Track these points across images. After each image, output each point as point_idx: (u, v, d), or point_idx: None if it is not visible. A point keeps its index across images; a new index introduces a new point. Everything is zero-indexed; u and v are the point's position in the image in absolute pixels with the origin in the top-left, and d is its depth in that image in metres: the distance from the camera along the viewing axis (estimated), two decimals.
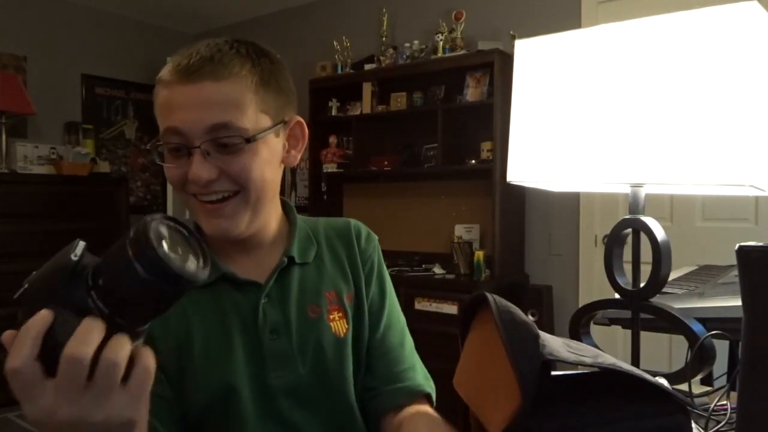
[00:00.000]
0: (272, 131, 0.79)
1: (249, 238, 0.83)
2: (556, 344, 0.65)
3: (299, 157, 0.86)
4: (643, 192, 1.01)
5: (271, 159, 0.79)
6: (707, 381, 1.14)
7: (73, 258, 0.46)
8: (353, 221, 0.97)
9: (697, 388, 0.99)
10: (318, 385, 0.83)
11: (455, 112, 3.41)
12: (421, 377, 0.92)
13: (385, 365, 0.90)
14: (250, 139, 0.75)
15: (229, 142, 0.74)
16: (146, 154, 4.94)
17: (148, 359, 0.48)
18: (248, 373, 0.80)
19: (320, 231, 0.93)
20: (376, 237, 0.98)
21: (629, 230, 1.02)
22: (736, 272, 0.72)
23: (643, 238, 0.99)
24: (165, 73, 0.76)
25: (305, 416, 0.83)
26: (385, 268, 0.97)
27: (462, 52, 3.36)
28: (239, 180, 0.76)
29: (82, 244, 0.48)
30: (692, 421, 0.64)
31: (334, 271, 0.91)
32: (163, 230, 0.46)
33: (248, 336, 0.81)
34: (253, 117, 0.75)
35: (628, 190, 1.03)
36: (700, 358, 0.92)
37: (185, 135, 0.73)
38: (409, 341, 0.95)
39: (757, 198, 2.68)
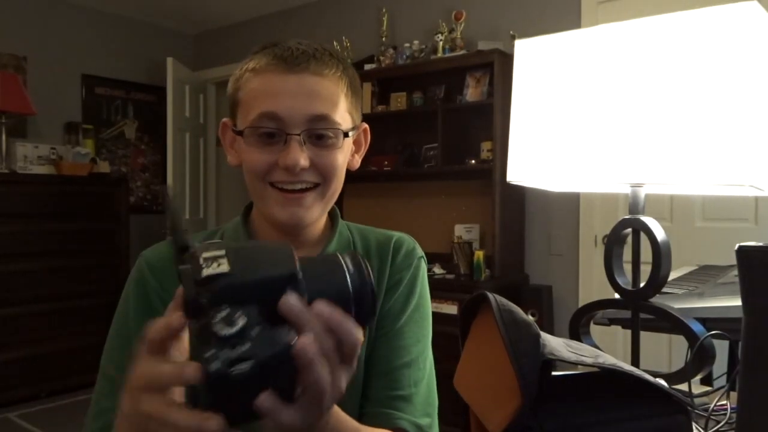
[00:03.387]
0: (357, 131, 0.84)
1: (300, 234, 0.83)
2: (556, 344, 0.65)
3: (360, 162, 0.89)
4: (643, 192, 1.01)
5: (347, 158, 0.83)
6: (707, 381, 1.14)
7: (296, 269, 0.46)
8: (399, 235, 0.91)
9: (697, 388, 0.99)
10: None
11: (455, 112, 3.41)
12: (418, 413, 0.80)
13: (378, 385, 0.81)
14: (346, 134, 0.79)
15: (326, 134, 0.77)
16: (146, 154, 4.94)
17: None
18: None
19: (365, 240, 0.90)
20: (421, 256, 0.90)
21: (629, 230, 1.02)
22: (736, 272, 0.72)
23: (643, 238, 0.99)
24: (260, 62, 0.77)
25: None
26: (421, 287, 0.88)
27: (462, 52, 3.36)
28: (325, 173, 0.78)
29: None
30: (692, 421, 0.64)
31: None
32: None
33: None
34: (343, 115, 0.79)
35: (628, 190, 1.03)
36: (700, 358, 0.92)
37: (284, 121, 0.74)
38: (420, 371, 0.83)
39: (757, 198, 2.68)
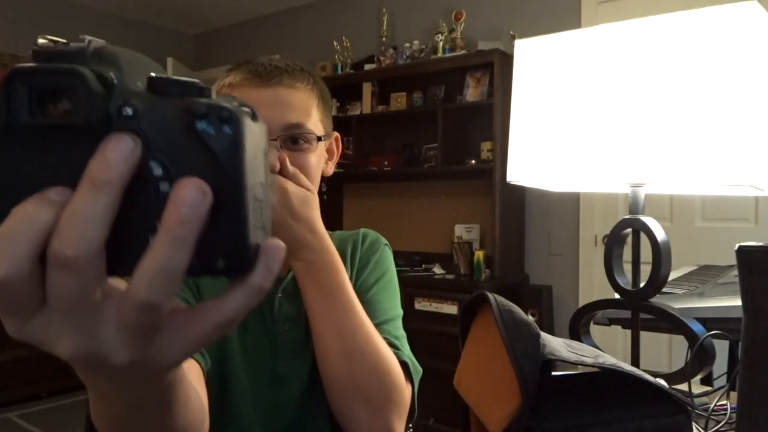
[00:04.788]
0: (328, 139, 0.90)
1: None
2: (556, 344, 0.65)
3: (333, 169, 0.95)
4: (643, 192, 1.01)
5: (320, 162, 0.88)
6: (707, 381, 1.14)
7: None
8: (364, 230, 1.01)
9: (697, 388, 0.99)
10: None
11: (455, 112, 3.41)
12: (405, 351, 0.87)
13: None
14: (321, 138, 0.85)
15: (301, 138, 0.82)
16: None
17: None
18: (255, 360, 0.86)
19: (338, 239, 0.97)
20: (385, 244, 1.00)
21: (629, 230, 1.02)
22: (736, 272, 0.72)
23: (643, 238, 0.99)
24: (236, 78, 0.83)
25: (308, 406, 0.86)
26: (388, 268, 0.97)
27: (462, 52, 3.36)
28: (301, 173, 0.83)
29: None
30: (692, 421, 0.64)
31: None
32: None
33: (264, 324, 0.88)
34: (316, 124, 0.85)
35: (628, 190, 1.03)
36: (700, 358, 0.93)
37: None
38: (399, 331, 0.90)
39: (757, 198, 2.68)
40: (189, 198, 0.25)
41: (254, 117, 0.27)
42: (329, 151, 0.93)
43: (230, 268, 0.27)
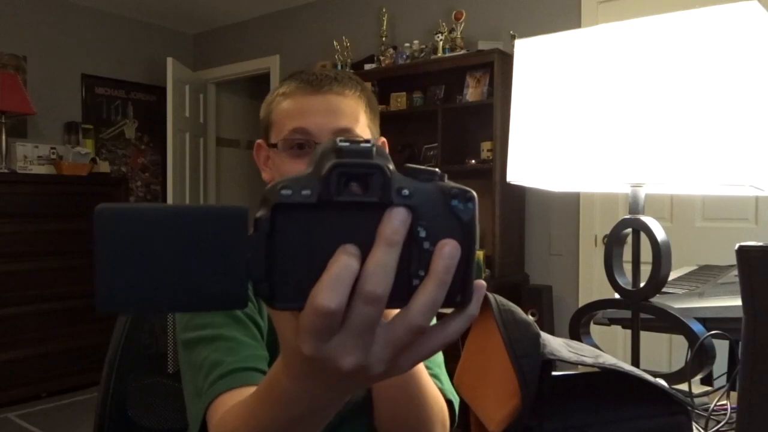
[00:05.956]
0: (378, 142, 0.88)
1: None
2: (556, 344, 0.65)
3: None
4: (643, 192, 1.01)
5: None
6: (707, 381, 1.14)
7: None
8: None
9: (697, 388, 0.99)
10: None
11: (455, 112, 3.41)
12: (448, 390, 0.88)
13: None
14: (369, 141, 0.82)
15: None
16: (146, 154, 4.94)
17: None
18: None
19: None
20: None
21: (629, 230, 1.02)
22: (736, 272, 0.72)
23: (643, 238, 0.99)
24: (289, 87, 0.88)
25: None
26: None
27: (462, 52, 3.36)
28: None
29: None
30: (692, 421, 0.64)
31: None
32: None
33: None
34: (364, 129, 0.88)
35: (628, 190, 1.03)
36: (700, 358, 0.92)
37: (312, 134, 0.84)
38: (438, 355, 0.91)
39: (757, 198, 2.68)
40: (450, 253, 0.35)
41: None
42: None
43: (462, 302, 0.37)
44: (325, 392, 0.42)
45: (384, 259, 0.34)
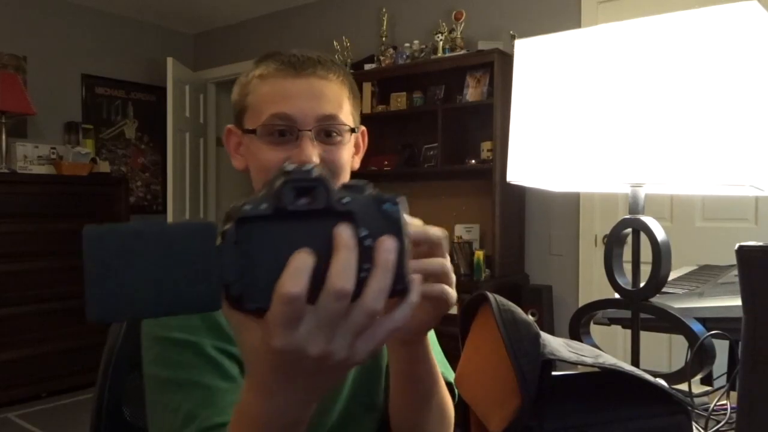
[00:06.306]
0: (358, 132, 0.88)
1: None
2: (556, 344, 0.65)
3: (359, 163, 0.93)
4: (643, 192, 1.01)
5: (351, 156, 0.86)
6: (707, 381, 1.14)
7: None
8: None
9: (697, 388, 0.99)
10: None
11: (455, 112, 3.41)
12: (444, 368, 0.88)
13: None
14: (354, 129, 0.83)
15: (335, 131, 0.80)
16: (146, 154, 4.94)
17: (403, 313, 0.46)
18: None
19: None
20: None
21: (629, 230, 1.02)
22: (736, 272, 0.72)
23: (643, 238, 0.99)
24: (268, 69, 0.81)
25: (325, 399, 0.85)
26: None
27: (462, 52, 3.36)
28: (334, 168, 0.80)
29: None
30: (692, 421, 0.64)
31: None
32: None
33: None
34: (347, 116, 0.83)
35: (628, 190, 1.03)
36: (700, 358, 0.92)
37: (296, 121, 0.78)
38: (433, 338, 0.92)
39: (757, 198, 2.68)
40: (390, 246, 0.41)
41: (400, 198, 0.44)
42: (356, 145, 0.91)
43: (403, 290, 0.43)
44: (293, 395, 0.45)
45: (347, 257, 0.40)
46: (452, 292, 0.57)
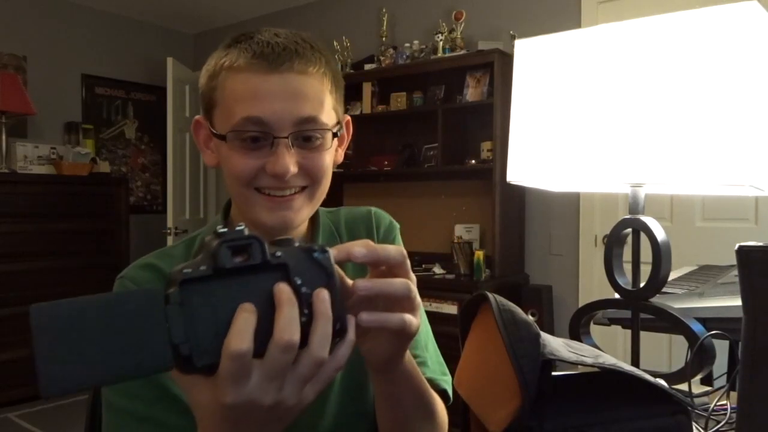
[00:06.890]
0: (341, 128, 0.79)
1: (285, 234, 0.82)
2: (556, 344, 0.65)
3: (343, 155, 0.85)
4: (643, 192, 1.01)
5: (333, 157, 0.79)
6: (707, 381, 1.14)
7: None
8: (374, 210, 0.93)
9: (697, 388, 0.99)
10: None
11: (455, 112, 3.41)
12: (437, 372, 0.86)
13: None
14: (335, 134, 0.75)
15: (314, 135, 0.72)
16: (146, 154, 4.94)
17: (341, 357, 0.49)
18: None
19: (342, 223, 0.90)
20: (398, 226, 0.95)
21: (629, 230, 1.02)
22: (736, 272, 0.72)
23: (643, 238, 0.99)
24: (239, 60, 0.71)
25: (320, 401, 0.82)
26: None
27: (462, 52, 3.36)
28: (314, 175, 0.75)
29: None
30: (692, 421, 0.64)
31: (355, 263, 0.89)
32: None
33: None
34: (329, 114, 0.74)
35: (628, 190, 1.03)
36: (700, 358, 0.92)
37: (270, 125, 0.70)
38: (424, 334, 0.89)
39: (757, 198, 2.68)
40: (325, 295, 0.45)
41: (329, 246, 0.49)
42: (340, 137, 0.82)
43: (341, 331, 0.47)
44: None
45: (289, 312, 0.43)
46: (413, 320, 0.53)
